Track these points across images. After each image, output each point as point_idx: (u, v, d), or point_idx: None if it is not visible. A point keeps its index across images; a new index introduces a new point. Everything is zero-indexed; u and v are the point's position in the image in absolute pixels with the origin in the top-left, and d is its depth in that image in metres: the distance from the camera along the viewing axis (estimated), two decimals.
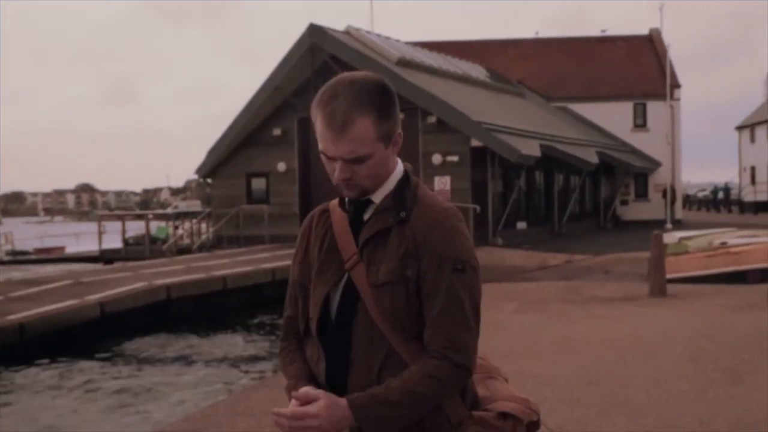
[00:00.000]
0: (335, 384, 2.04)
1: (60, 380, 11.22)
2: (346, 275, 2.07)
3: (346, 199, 2.12)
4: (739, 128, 58.62)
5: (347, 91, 1.97)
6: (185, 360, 12.64)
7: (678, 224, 32.79)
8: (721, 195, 53.06)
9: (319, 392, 1.97)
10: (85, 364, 12.16)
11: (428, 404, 1.98)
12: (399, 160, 2.12)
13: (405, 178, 2.10)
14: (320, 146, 2.02)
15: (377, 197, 2.08)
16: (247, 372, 11.80)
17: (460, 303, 1.99)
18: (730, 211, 49.18)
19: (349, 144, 1.97)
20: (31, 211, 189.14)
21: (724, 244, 16.46)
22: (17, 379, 11.24)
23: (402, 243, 2.02)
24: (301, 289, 2.16)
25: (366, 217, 2.08)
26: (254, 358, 12.70)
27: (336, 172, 2.02)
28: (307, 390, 1.99)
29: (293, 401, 1.99)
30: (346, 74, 2.05)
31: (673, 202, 35.24)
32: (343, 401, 1.94)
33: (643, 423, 5.69)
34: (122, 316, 14.10)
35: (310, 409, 1.93)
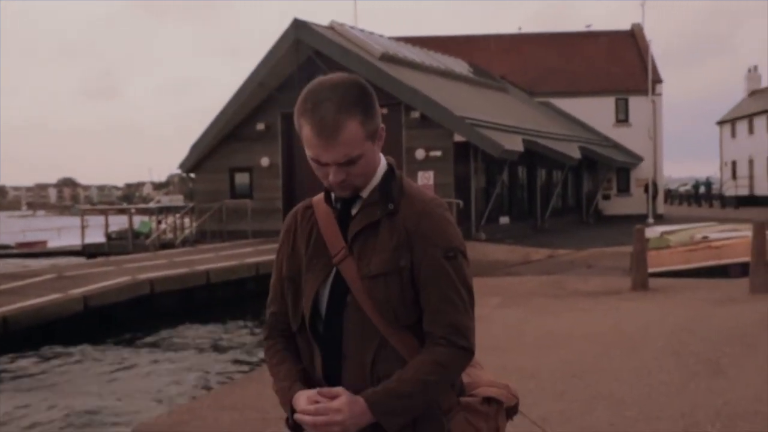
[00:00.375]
0: (330, 378, 2.08)
1: (43, 374, 11.19)
2: (334, 270, 2.10)
3: (333, 195, 2.15)
4: (720, 123, 59.01)
5: (331, 96, 1.99)
6: (169, 354, 12.62)
7: (660, 219, 33.02)
8: (702, 189, 53.40)
9: (340, 389, 2.01)
10: (68, 358, 12.13)
11: (440, 391, 2.06)
12: (381, 155, 2.15)
13: (390, 172, 2.15)
14: (310, 153, 2.04)
15: (364, 192, 2.11)
16: (231, 366, 11.80)
17: (457, 289, 2.06)
18: (711, 205, 49.54)
19: (342, 148, 2.00)
20: (13, 206, 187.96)
21: (705, 238, 16.60)
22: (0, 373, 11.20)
23: (393, 234, 2.06)
24: (291, 284, 2.18)
25: (354, 211, 2.12)
26: (239, 353, 12.71)
27: (330, 176, 2.04)
28: (329, 388, 2.04)
29: (305, 394, 2.03)
30: (324, 79, 2.06)
31: (654, 196, 35.46)
32: (360, 398, 1.99)
33: (625, 415, 5.76)
34: (106, 311, 14.06)
35: (334, 404, 1.98)
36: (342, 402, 1.97)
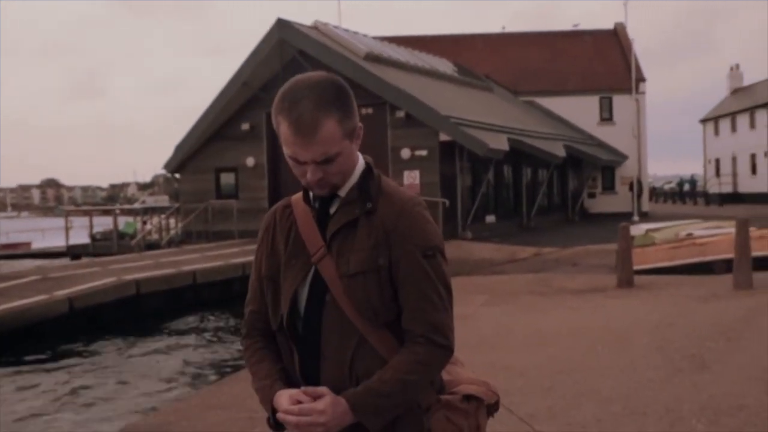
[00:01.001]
0: (309, 377, 2.09)
1: (29, 377, 11.14)
2: (313, 269, 2.11)
3: (311, 194, 2.15)
4: (704, 121, 59.33)
5: (308, 95, 2.00)
6: (155, 354, 12.59)
7: (645, 216, 33.18)
8: (687, 187, 53.67)
9: (324, 389, 2.01)
10: (53, 360, 12.08)
11: (420, 389, 2.07)
12: (359, 154, 2.16)
13: (368, 170, 2.16)
14: (288, 152, 2.05)
15: (342, 190, 2.12)
16: (218, 365, 11.78)
17: (436, 287, 2.07)
18: (695, 203, 49.79)
19: (320, 146, 2.01)
20: None
21: (690, 235, 16.72)
22: None
23: (372, 233, 2.07)
24: (271, 283, 2.18)
25: (332, 210, 2.13)
26: (225, 352, 12.69)
27: (308, 174, 2.05)
28: (313, 387, 2.04)
29: (287, 393, 2.04)
30: (302, 77, 2.07)
31: (640, 194, 35.61)
32: (342, 398, 2.00)
33: (611, 410, 5.79)
34: (91, 312, 14.00)
35: (318, 405, 1.98)
36: (326, 402, 1.98)
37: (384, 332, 2.06)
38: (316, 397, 2.00)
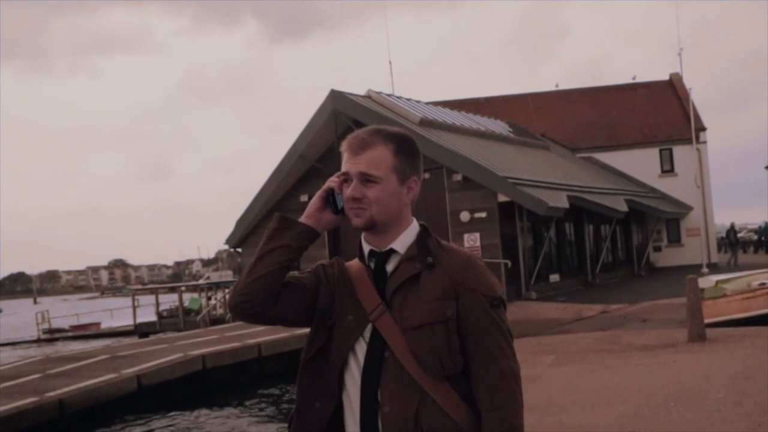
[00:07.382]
0: (366, 430, 2.09)
1: None
2: (369, 326, 2.12)
3: (366, 254, 2.20)
4: None
5: (374, 129, 2.17)
6: (224, 429, 12.57)
7: (714, 268, 32.37)
8: (757, 236, 52.05)
9: None
10: None
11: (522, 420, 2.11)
12: (414, 218, 2.23)
13: (425, 229, 2.22)
14: (341, 170, 2.16)
15: (401, 248, 2.16)
16: None
17: (504, 335, 2.13)
18: None
19: (365, 162, 2.11)
20: (66, 290, 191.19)
21: (762, 285, 16.20)
22: None
23: (437, 285, 2.11)
24: (320, 314, 2.22)
25: (389, 267, 2.16)
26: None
27: (348, 190, 2.14)
28: None
29: None
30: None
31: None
32: None
33: None
34: (159, 388, 14.11)
35: None
36: None
37: (445, 385, 2.08)
38: None
